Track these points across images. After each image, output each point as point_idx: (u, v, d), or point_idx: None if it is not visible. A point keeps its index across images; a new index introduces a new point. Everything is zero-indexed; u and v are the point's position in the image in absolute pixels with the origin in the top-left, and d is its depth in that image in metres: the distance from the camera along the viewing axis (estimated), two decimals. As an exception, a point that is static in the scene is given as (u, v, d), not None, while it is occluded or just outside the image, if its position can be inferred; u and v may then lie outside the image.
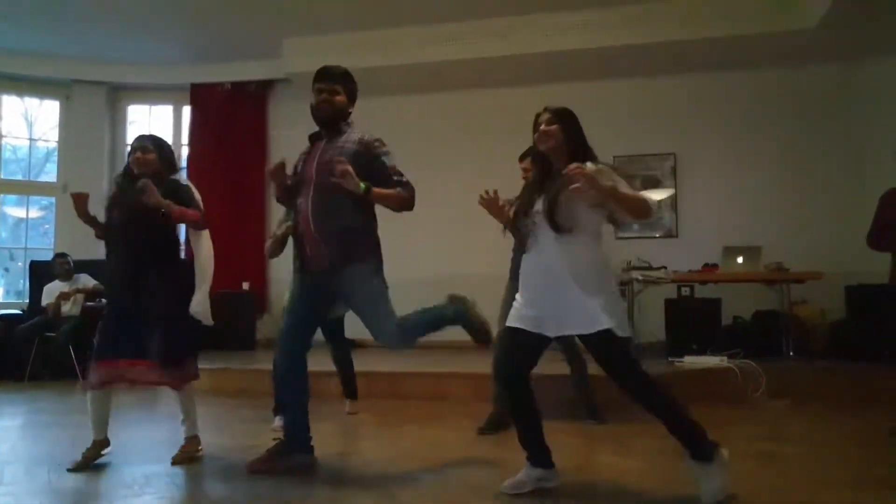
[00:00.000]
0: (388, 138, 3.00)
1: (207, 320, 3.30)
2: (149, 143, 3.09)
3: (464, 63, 6.80)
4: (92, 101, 8.09)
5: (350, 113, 2.99)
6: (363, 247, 2.87)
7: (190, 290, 3.32)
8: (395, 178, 2.88)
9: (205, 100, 8.02)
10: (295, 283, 3.04)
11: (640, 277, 5.49)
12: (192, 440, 3.18)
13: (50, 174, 8.28)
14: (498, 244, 4.29)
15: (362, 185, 2.71)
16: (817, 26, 5.91)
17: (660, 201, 7.15)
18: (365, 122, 3.09)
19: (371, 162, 2.85)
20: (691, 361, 5.19)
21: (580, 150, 2.54)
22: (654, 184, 7.04)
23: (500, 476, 2.63)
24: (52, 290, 6.52)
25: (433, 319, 3.00)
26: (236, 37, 7.18)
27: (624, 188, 2.38)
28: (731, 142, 6.92)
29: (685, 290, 5.89)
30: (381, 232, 3.00)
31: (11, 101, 8.10)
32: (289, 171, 2.98)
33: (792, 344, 5.67)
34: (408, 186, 2.89)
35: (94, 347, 2.95)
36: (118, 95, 8.33)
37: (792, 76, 6.79)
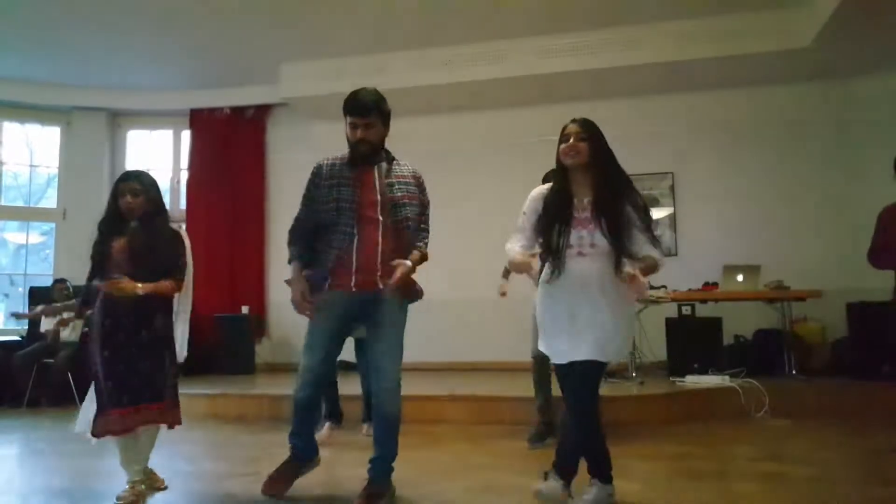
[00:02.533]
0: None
1: (182, 356, 3.12)
2: (137, 185, 2.95)
3: (462, 85, 6.86)
4: (92, 127, 8.14)
5: (386, 138, 2.91)
6: (413, 283, 2.89)
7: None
8: (424, 225, 2.93)
9: (204, 125, 8.08)
10: (330, 307, 2.82)
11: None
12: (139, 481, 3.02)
13: (50, 200, 8.30)
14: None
15: (413, 266, 2.79)
16: (811, 45, 5.95)
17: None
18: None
19: (420, 189, 2.92)
20: (693, 381, 5.16)
21: (610, 168, 2.53)
22: (653, 203, 7.05)
23: (496, 499, 2.60)
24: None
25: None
26: (234, 62, 7.25)
27: (650, 249, 2.45)
28: (729, 160, 6.94)
29: (686, 310, 5.87)
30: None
31: (12, 128, 8.15)
32: None
33: (794, 362, 5.64)
34: (427, 237, 2.93)
35: (105, 395, 2.85)
36: (118, 121, 8.39)
37: (788, 94, 6.82)
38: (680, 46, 6.34)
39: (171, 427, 3.03)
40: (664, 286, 5.64)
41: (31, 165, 8.36)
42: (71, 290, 6.63)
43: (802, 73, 6.56)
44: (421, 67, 6.84)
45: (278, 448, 3.92)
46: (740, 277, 5.72)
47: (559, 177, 2.59)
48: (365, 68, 6.76)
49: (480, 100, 7.18)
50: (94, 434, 2.84)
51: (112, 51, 6.99)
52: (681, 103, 7.02)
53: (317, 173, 2.86)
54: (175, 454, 4.12)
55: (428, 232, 2.94)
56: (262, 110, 8.08)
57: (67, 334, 6.48)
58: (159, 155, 8.60)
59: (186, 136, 8.27)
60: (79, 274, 7.08)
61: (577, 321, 2.46)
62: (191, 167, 8.12)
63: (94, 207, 7.90)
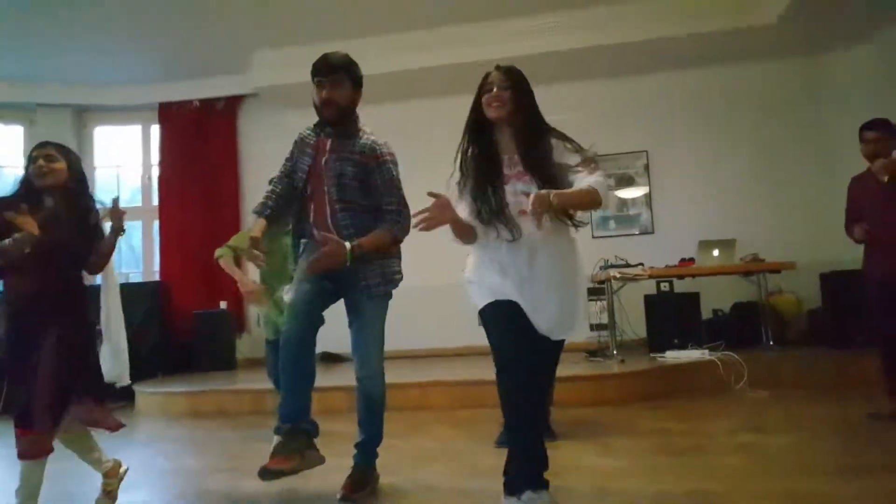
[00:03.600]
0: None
1: (124, 382, 2.81)
2: (54, 151, 2.53)
3: (435, 70, 6.80)
4: (57, 124, 7.93)
5: (356, 104, 2.73)
6: (391, 266, 2.75)
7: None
8: (389, 199, 2.66)
9: (173, 119, 7.92)
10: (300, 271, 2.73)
11: (618, 275, 5.50)
12: (111, 470, 2.77)
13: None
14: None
15: (350, 255, 2.55)
16: (778, 21, 5.99)
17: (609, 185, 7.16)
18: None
19: (371, 171, 2.65)
20: (673, 356, 5.22)
21: (534, 120, 2.25)
22: (628, 182, 7.08)
23: (486, 483, 2.60)
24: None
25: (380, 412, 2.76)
26: (203, 53, 7.11)
27: (585, 177, 2.12)
28: (703, 137, 6.98)
29: (664, 286, 5.91)
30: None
31: (-26, 129, 7.95)
32: None
33: (771, 334, 5.72)
34: (401, 218, 2.68)
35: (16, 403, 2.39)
36: (84, 118, 8.20)
37: (758, 70, 6.87)
38: (648, 25, 6.35)
39: (97, 426, 2.62)
40: (641, 263, 5.68)
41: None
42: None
43: (771, 49, 6.61)
44: (396, 51, 6.75)
45: (261, 442, 3.90)
46: (716, 252, 5.77)
47: (479, 134, 2.30)
48: (382, 49, 6.66)
49: (455, 84, 7.11)
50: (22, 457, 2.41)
51: (76, 44, 6.80)
52: (653, 82, 7.04)
53: (294, 142, 2.82)
54: (155, 452, 4.08)
55: (398, 213, 2.69)
56: (233, 101, 7.94)
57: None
58: (128, 151, 8.43)
59: (156, 130, 8.11)
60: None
61: (530, 291, 2.19)
62: (161, 163, 7.97)
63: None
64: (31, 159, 2.52)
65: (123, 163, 8.44)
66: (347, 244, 2.55)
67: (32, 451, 2.38)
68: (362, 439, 2.75)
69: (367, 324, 2.72)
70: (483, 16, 6.52)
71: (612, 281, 5.56)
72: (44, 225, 2.38)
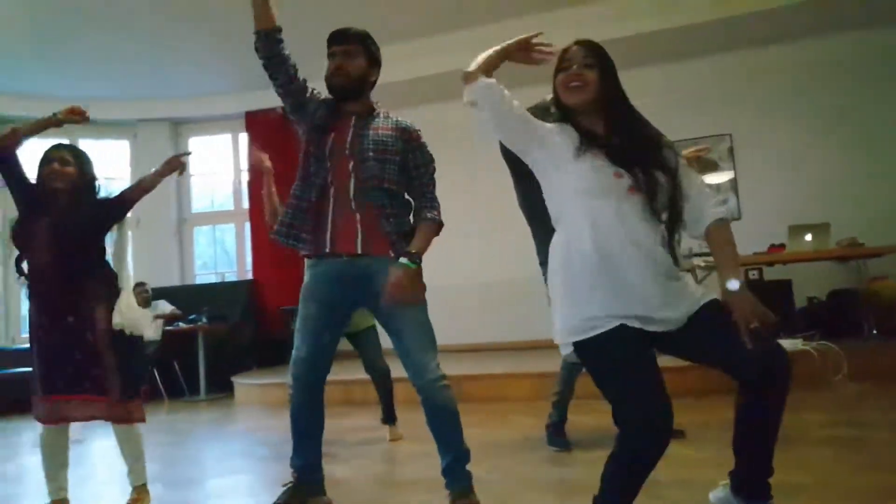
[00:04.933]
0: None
1: (138, 330, 2.67)
2: (68, 154, 2.60)
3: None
4: (156, 137, 8.53)
5: (374, 82, 2.48)
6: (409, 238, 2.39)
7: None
8: (429, 185, 2.45)
9: (259, 126, 8.31)
10: (309, 281, 2.42)
11: (703, 264, 5.35)
12: (143, 489, 2.68)
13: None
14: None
15: (412, 266, 2.26)
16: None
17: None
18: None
19: (410, 150, 2.41)
20: (764, 347, 5.03)
21: (623, 108, 1.84)
22: (712, 167, 6.86)
23: (562, 473, 2.63)
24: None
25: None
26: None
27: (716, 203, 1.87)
28: (789, 116, 6.66)
29: (753, 274, 5.70)
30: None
31: (87, 144, 8.62)
32: None
33: (873, 323, 5.41)
34: (438, 206, 2.46)
35: (36, 380, 2.51)
36: (180, 130, 8.76)
37: (850, 42, 6.48)
38: (722, 3, 6.11)
39: (120, 423, 2.57)
40: (742, 280, 5.50)
41: (107, 178, 8.82)
42: (150, 292, 7.00)
43: (864, 18, 6.22)
44: (459, 49, 6.80)
45: (349, 433, 4.11)
46: (809, 237, 5.50)
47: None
48: (420, 51, 6.84)
49: (517, 78, 7.11)
50: (38, 419, 2.52)
51: (169, 63, 7.30)
52: (735, 61, 6.79)
53: (316, 96, 2.52)
54: (255, 440, 4.35)
55: (433, 199, 2.45)
56: (314, 106, 8.25)
57: (150, 334, 6.86)
58: (220, 158, 8.94)
59: (244, 138, 8.54)
60: (155, 277, 7.52)
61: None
62: (250, 168, 8.39)
63: (164, 215, 8.35)
64: (46, 160, 2.58)
65: (216, 170, 8.96)
66: (403, 260, 2.26)
67: (52, 416, 2.49)
68: (451, 459, 2.31)
69: (409, 320, 2.33)
70: (545, 6, 6.45)
71: (697, 270, 5.42)
72: (59, 220, 2.51)
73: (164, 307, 7.00)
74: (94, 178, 2.67)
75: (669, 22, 6.30)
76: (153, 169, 2.74)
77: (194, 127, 8.81)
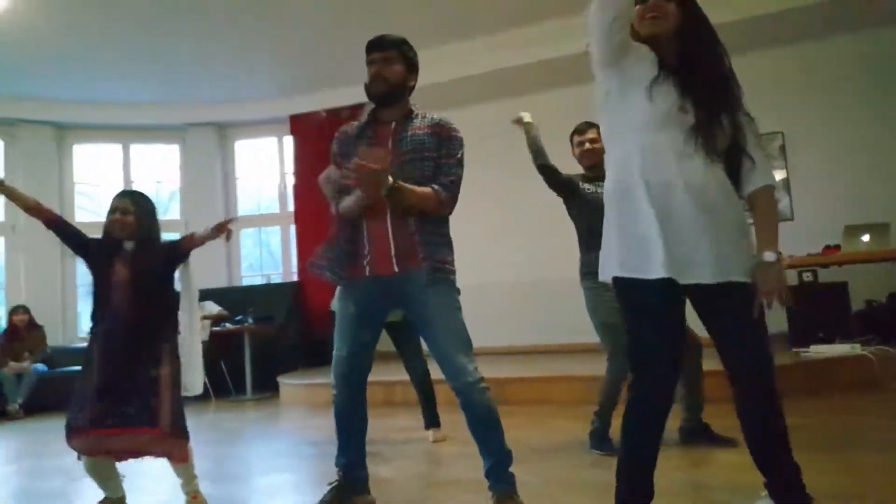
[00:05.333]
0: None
1: (196, 391, 2.81)
2: (129, 204, 2.73)
3: (542, 64, 6.77)
4: (204, 141, 8.76)
5: (412, 87, 2.50)
6: (444, 248, 2.40)
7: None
8: (449, 171, 2.39)
9: (303, 129, 8.44)
10: (342, 298, 2.48)
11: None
12: (194, 492, 2.76)
13: (174, 213, 9.00)
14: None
15: (390, 184, 2.21)
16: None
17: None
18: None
19: (441, 142, 2.40)
20: (818, 350, 4.86)
21: (701, 41, 1.80)
22: (762, 166, 6.68)
23: (605, 476, 2.58)
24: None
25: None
26: (327, 66, 7.52)
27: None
28: (843, 113, 6.41)
29: (807, 276, 5.52)
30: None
31: (138, 149, 8.89)
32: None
33: (938, 326, 5.18)
34: (454, 189, 2.40)
35: (71, 414, 2.60)
36: (226, 133, 8.96)
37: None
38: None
39: (168, 458, 2.65)
40: (779, 252, 5.33)
41: (158, 182, 9.08)
42: (198, 293, 7.17)
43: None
44: (506, 48, 6.80)
45: (393, 432, 4.13)
46: (866, 237, 5.30)
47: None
48: (460, 54, 6.84)
49: (562, 76, 7.04)
50: (81, 452, 2.60)
51: (217, 68, 7.47)
52: (782, 57, 6.56)
53: (339, 132, 2.56)
54: (300, 439, 4.41)
55: (452, 184, 2.38)
56: (356, 109, 8.31)
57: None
58: (266, 161, 9.11)
59: (289, 141, 8.69)
60: (203, 278, 7.69)
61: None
62: (295, 171, 8.54)
63: (210, 217, 8.49)
64: (110, 210, 2.73)
65: (262, 173, 9.14)
66: (390, 178, 2.21)
67: (95, 449, 2.58)
68: (493, 463, 2.32)
69: (440, 321, 2.33)
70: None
71: (747, 271, 5.27)
72: (128, 261, 2.67)
73: (212, 308, 7.16)
74: (155, 224, 2.80)
75: (720, 17, 6.13)
76: (205, 229, 2.85)
77: (240, 130, 9.00)
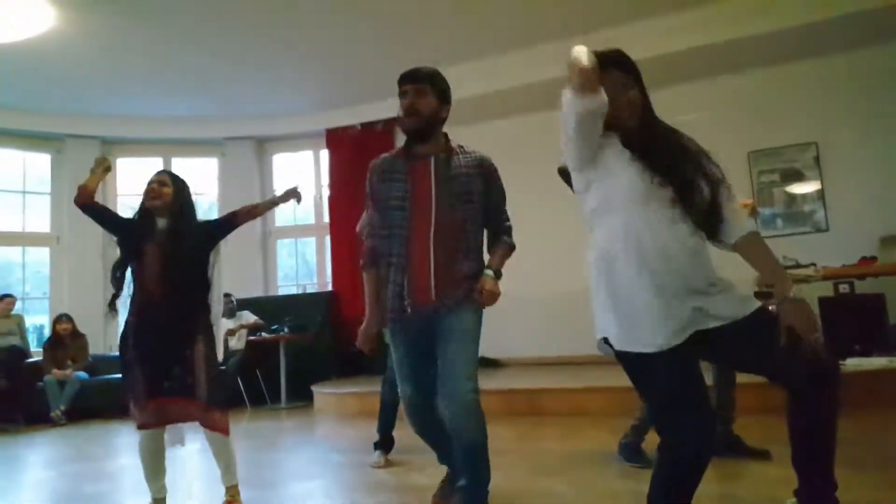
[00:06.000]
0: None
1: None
2: (167, 178, 2.83)
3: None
4: (242, 154, 8.98)
5: (444, 118, 2.49)
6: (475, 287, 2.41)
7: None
8: (504, 213, 2.56)
9: (338, 143, 8.61)
10: (396, 336, 2.49)
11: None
12: (234, 489, 2.84)
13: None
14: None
15: (496, 279, 2.40)
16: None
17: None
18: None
19: (487, 187, 2.47)
20: (855, 364, 4.78)
21: (655, 118, 1.89)
22: (796, 176, 6.60)
23: (638, 486, 2.60)
24: (218, 328, 7.26)
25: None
26: (361, 81, 7.68)
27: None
28: (879, 123, 6.31)
29: (843, 287, 5.44)
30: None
31: (179, 162, 9.15)
32: None
33: (980, 339, 5.05)
34: (510, 232, 2.58)
35: (134, 387, 2.70)
36: (264, 147, 9.18)
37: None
38: (812, 7, 5.89)
39: (212, 429, 2.74)
40: (813, 264, 5.27)
41: (197, 194, 9.31)
42: (235, 303, 7.35)
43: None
44: (537, 64, 6.85)
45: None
46: (904, 249, 5.22)
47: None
48: (489, 70, 6.94)
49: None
50: (138, 427, 2.72)
51: (255, 83, 7.67)
52: (818, 67, 6.50)
53: (371, 169, 2.55)
54: (331, 447, 4.50)
55: (510, 228, 2.57)
56: (390, 123, 8.45)
57: (234, 343, 7.20)
58: (302, 174, 9.30)
59: (325, 154, 8.86)
60: (239, 288, 7.88)
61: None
62: (330, 184, 8.69)
63: (249, 228, 8.69)
64: (148, 182, 2.81)
65: (298, 185, 9.28)
66: (490, 272, 2.40)
67: (156, 419, 2.69)
68: (467, 482, 2.34)
69: (455, 341, 2.33)
70: (627, 17, 6.38)
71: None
72: (161, 241, 2.73)
73: (248, 317, 7.32)
74: (189, 202, 2.88)
75: (755, 28, 6.12)
76: (271, 197, 2.97)
77: (278, 144, 9.21)
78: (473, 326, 2.37)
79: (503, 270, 2.47)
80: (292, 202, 3.19)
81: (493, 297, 2.36)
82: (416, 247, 2.36)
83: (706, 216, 1.80)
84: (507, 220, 2.57)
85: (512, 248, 2.56)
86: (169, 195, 2.79)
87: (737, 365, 1.85)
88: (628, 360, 1.76)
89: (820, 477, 1.77)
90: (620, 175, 1.80)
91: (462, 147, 2.51)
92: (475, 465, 2.33)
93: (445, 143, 2.49)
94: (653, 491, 1.79)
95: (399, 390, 2.51)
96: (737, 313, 1.71)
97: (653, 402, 1.80)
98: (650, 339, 1.68)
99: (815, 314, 1.71)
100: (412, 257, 2.37)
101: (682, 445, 1.72)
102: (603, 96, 1.71)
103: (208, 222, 3.02)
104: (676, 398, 1.72)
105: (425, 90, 2.42)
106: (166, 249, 2.72)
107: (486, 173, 2.46)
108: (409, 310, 2.36)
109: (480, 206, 2.45)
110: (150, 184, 2.80)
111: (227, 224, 3.01)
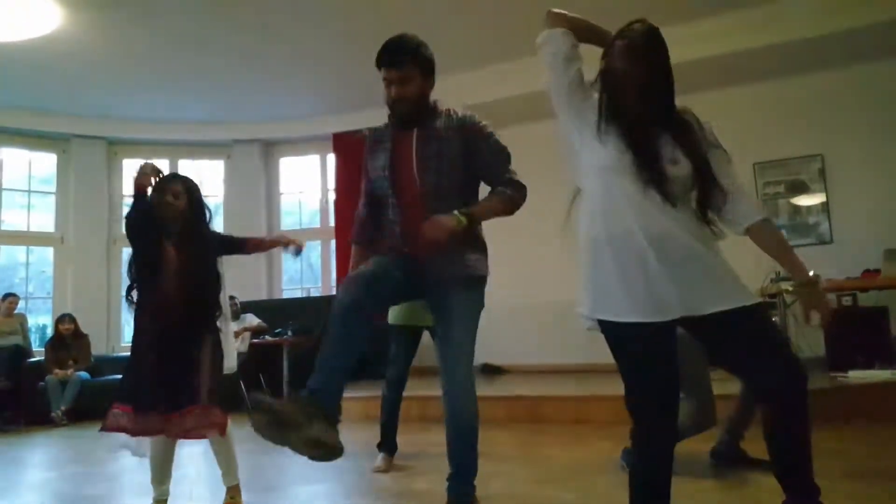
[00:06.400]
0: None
1: (231, 370, 3.01)
2: (180, 186, 2.77)
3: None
4: (249, 158, 9.01)
5: (429, 91, 2.43)
6: (475, 254, 2.40)
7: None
8: (505, 170, 2.43)
9: (345, 147, 8.62)
10: (389, 255, 2.43)
11: (791, 288, 5.15)
12: (236, 490, 2.90)
13: (218, 226, 9.23)
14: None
15: (462, 218, 2.23)
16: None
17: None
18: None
19: (478, 147, 2.38)
20: (858, 376, 4.80)
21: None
22: (801, 188, 6.61)
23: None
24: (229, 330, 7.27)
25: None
26: (367, 86, 7.64)
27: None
28: (885, 136, 6.34)
29: (846, 300, 5.45)
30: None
31: (185, 164, 9.19)
32: None
33: (984, 353, 5.06)
34: (514, 182, 2.42)
35: (124, 390, 2.75)
36: (271, 150, 9.22)
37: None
38: (821, 20, 5.91)
39: (210, 427, 2.76)
40: (817, 276, 5.27)
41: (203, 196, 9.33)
42: (239, 305, 7.36)
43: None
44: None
45: (430, 447, 4.18)
46: (908, 261, 5.23)
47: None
48: (495, 78, 6.99)
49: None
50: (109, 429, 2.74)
51: (262, 87, 7.71)
52: (824, 80, 6.53)
53: (365, 140, 2.58)
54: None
55: (518, 182, 2.43)
56: (397, 128, 8.50)
57: (237, 345, 7.19)
58: (308, 178, 9.32)
59: (331, 159, 8.88)
60: (243, 290, 7.89)
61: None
62: (337, 188, 8.72)
63: (254, 230, 8.76)
64: (160, 189, 2.72)
65: (304, 189, 9.35)
66: (457, 211, 2.24)
67: (148, 430, 2.69)
68: (454, 471, 2.42)
69: (455, 321, 2.33)
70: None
71: (785, 294, 5.23)
72: (178, 243, 2.73)
73: (252, 320, 7.33)
74: (202, 204, 2.86)
75: (762, 41, 6.14)
76: (275, 236, 3.05)
77: (285, 148, 9.25)
78: (469, 306, 2.36)
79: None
80: (292, 248, 3.17)
81: (436, 229, 2.18)
82: (406, 216, 2.36)
83: (690, 190, 1.78)
84: (510, 174, 2.42)
85: (512, 199, 2.39)
86: (182, 207, 2.77)
87: (714, 357, 1.86)
88: (605, 331, 1.81)
89: (800, 484, 1.77)
90: (595, 143, 1.81)
91: (450, 110, 2.44)
92: (468, 449, 2.37)
93: (434, 108, 2.43)
94: (631, 481, 1.83)
95: (351, 272, 2.38)
96: (727, 303, 1.70)
97: (623, 377, 1.84)
98: (618, 308, 1.73)
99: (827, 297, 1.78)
100: (404, 225, 2.37)
101: (647, 423, 1.79)
102: (560, 35, 1.85)
103: (220, 234, 3.08)
104: (644, 384, 1.78)
105: (409, 76, 2.34)
106: (181, 252, 2.74)
107: (467, 135, 2.37)
108: (406, 250, 2.36)
109: (468, 170, 2.38)
110: (162, 193, 2.72)
111: (234, 246, 3.05)
